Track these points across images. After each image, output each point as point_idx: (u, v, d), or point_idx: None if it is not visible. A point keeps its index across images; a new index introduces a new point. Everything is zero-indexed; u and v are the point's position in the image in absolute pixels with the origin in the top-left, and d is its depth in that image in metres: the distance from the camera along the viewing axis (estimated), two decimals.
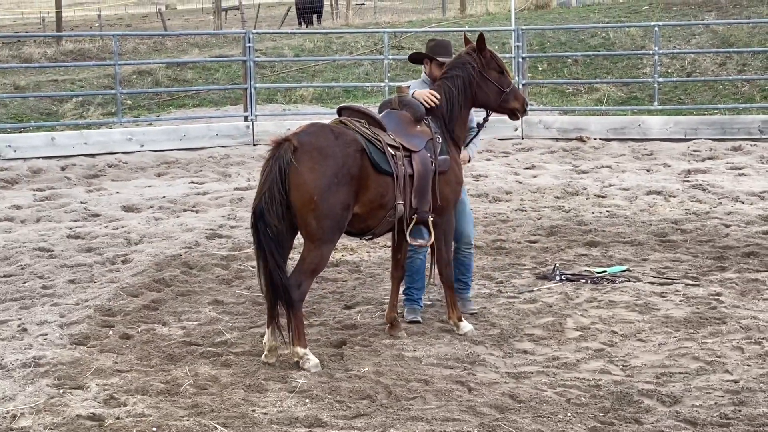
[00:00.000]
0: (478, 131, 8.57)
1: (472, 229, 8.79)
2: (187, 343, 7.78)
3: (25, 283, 9.66)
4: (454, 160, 7.94)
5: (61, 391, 6.67)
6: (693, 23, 24.14)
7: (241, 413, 6.26)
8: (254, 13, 45.53)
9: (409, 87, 8.26)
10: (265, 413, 6.29)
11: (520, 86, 17.81)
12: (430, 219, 7.76)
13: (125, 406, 6.40)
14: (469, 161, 8.61)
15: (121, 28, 44.99)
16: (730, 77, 21.41)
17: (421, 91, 8.10)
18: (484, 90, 8.07)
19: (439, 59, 8.34)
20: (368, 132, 7.46)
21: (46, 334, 7.91)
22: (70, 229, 12.06)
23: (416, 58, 8.68)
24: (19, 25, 55.19)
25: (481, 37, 8.09)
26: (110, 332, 8.03)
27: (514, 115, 8.30)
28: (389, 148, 7.47)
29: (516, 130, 17.66)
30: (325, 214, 7.09)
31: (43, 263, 10.38)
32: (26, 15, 62.37)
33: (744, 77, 21.35)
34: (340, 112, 7.81)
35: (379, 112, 7.95)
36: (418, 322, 8.33)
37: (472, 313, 8.50)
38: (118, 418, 6.18)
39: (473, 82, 8.02)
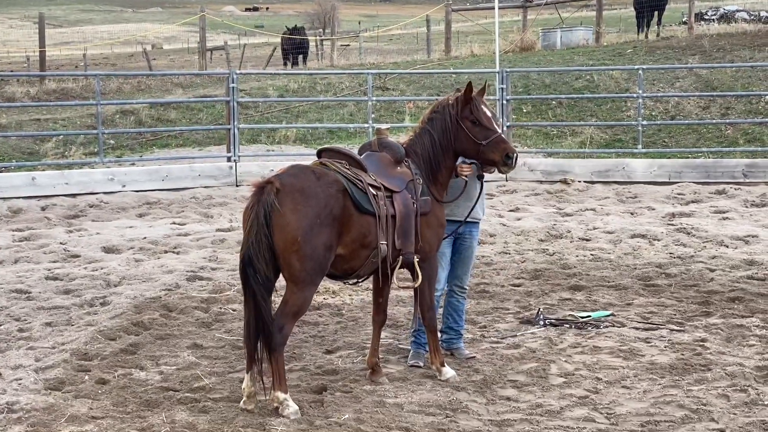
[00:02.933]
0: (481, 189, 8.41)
1: (468, 273, 8.70)
2: (164, 388, 7.64)
3: (0, 325, 9.50)
4: (436, 204, 7.86)
5: None
6: (677, 67, 24.24)
7: None
8: (239, 53, 45.64)
9: (389, 129, 8.19)
10: None
11: (504, 128, 17.78)
12: (416, 261, 7.67)
13: None
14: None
15: (106, 68, 45.03)
16: (714, 121, 21.46)
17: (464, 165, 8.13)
18: (460, 140, 7.89)
19: None
20: (349, 172, 7.41)
21: (21, 379, 7.76)
22: (49, 270, 11.91)
23: None
24: (4, 64, 55.21)
25: (468, 86, 7.89)
26: (86, 377, 7.88)
27: (497, 167, 8.06)
28: (370, 188, 7.41)
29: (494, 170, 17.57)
30: (309, 256, 7.01)
31: (20, 305, 10.22)
32: (11, 54, 62.40)
33: (727, 121, 21.41)
34: (320, 154, 7.75)
35: (359, 155, 7.89)
36: (419, 366, 8.19)
37: (472, 357, 8.46)
38: None
39: (449, 131, 7.88)
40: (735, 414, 7.04)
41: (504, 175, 8.61)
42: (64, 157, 20.58)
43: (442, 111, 7.94)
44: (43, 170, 18.24)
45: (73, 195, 16.94)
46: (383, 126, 8.26)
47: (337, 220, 7.16)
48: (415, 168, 7.81)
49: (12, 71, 39.53)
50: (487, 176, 8.49)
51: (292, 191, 7.05)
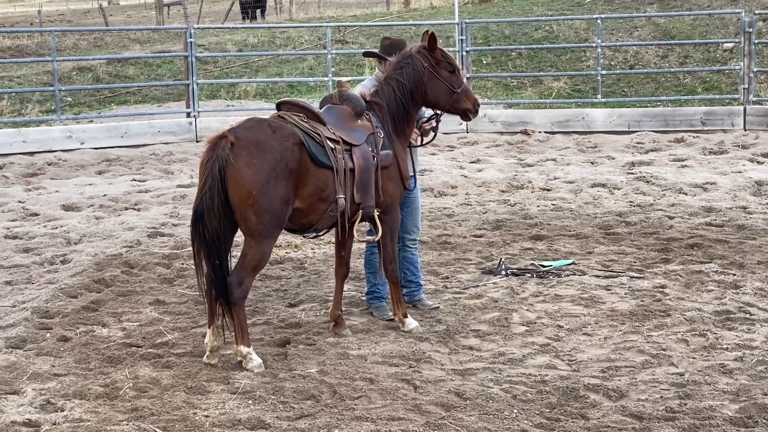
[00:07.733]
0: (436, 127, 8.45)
1: (418, 224, 8.71)
2: (127, 344, 7.62)
3: None
4: (398, 157, 7.84)
5: None
6: (635, 15, 24.29)
7: (183, 416, 6.12)
8: (197, 8, 45.09)
9: (349, 82, 8.15)
10: (207, 416, 6.16)
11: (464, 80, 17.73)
12: (376, 214, 7.67)
13: (62, 411, 6.24)
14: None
15: (61, 24, 44.32)
16: (672, 69, 21.56)
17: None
18: (434, 89, 7.91)
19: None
20: (307, 126, 7.36)
21: None
22: (8, 229, 11.79)
23: (370, 56, 8.64)
24: None
25: (432, 37, 7.93)
26: (48, 335, 7.84)
27: (465, 115, 8.14)
28: (328, 142, 7.37)
29: (461, 124, 17.62)
30: (265, 209, 6.98)
31: None
32: None
33: (686, 69, 21.51)
34: (279, 106, 7.71)
35: (320, 108, 7.85)
36: (393, 319, 8.15)
37: (436, 308, 8.49)
38: (54, 424, 6.03)
39: (422, 81, 7.87)
40: (694, 358, 7.14)
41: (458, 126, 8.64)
42: (21, 115, 20.33)
43: (412, 61, 7.89)
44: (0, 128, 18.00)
45: (31, 153, 16.77)
46: (344, 79, 8.23)
47: (293, 174, 7.12)
48: (377, 121, 7.78)
49: None
50: (445, 128, 8.51)
51: (247, 144, 6.99)
